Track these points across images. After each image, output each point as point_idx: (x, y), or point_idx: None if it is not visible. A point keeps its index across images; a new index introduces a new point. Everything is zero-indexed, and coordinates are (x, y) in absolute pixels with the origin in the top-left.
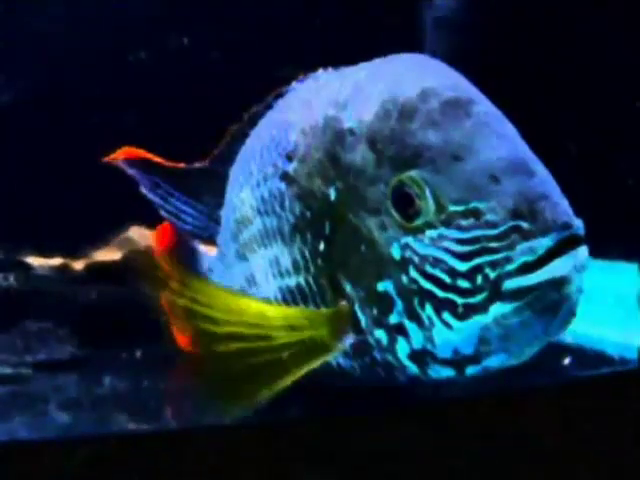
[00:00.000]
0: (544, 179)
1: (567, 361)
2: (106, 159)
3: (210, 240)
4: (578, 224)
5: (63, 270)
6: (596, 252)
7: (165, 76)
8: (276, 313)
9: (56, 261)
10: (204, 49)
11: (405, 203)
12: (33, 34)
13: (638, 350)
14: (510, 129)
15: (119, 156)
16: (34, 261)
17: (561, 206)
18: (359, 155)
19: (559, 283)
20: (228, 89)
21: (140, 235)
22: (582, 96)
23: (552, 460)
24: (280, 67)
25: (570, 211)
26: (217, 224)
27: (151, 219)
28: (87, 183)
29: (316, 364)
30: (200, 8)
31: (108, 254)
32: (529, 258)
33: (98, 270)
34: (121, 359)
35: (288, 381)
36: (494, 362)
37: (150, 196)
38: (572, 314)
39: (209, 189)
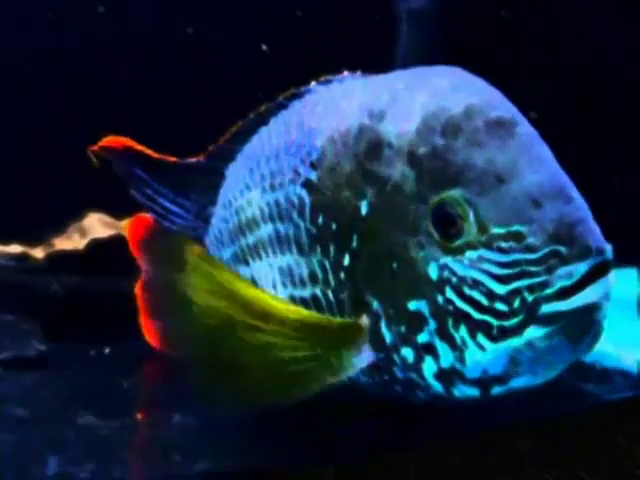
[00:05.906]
0: (580, 204)
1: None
2: (90, 150)
3: (198, 240)
4: (609, 249)
5: (23, 259)
6: None
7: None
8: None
9: (15, 249)
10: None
11: (446, 223)
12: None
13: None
14: (548, 151)
15: (104, 145)
16: None
17: (596, 231)
18: (397, 170)
19: (592, 309)
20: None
21: (99, 222)
22: (570, 89)
23: None
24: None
25: (602, 236)
26: (205, 223)
27: (109, 205)
28: (43, 166)
29: (332, 379)
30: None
31: (68, 242)
32: (567, 283)
33: (60, 259)
34: (89, 356)
35: (301, 391)
36: (520, 383)
37: (138, 197)
38: (597, 339)
39: (201, 186)
